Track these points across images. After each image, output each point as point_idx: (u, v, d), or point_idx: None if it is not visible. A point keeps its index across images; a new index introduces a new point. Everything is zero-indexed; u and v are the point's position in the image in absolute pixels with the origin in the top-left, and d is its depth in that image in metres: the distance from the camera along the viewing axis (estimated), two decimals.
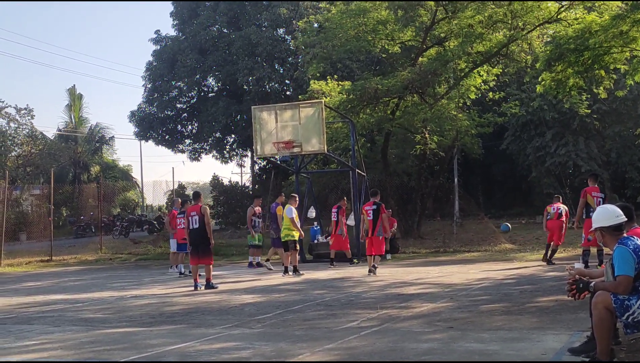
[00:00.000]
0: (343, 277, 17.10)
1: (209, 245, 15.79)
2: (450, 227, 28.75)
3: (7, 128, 48.51)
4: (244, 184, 55.02)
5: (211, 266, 15.81)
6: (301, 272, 17.69)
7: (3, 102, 49.44)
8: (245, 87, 42.06)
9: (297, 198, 18.82)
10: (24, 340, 9.49)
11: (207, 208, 16.20)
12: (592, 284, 6.51)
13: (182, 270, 19.35)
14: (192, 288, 15.38)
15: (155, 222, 42.97)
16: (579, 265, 7.08)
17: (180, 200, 23.39)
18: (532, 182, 38.85)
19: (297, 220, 17.88)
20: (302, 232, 18.38)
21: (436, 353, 7.39)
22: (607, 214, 6.66)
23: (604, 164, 36.44)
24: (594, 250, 16.28)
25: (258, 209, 21.29)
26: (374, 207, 17.24)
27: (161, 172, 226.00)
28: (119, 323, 10.75)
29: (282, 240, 18.01)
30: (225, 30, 43.17)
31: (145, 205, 64.42)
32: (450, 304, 11.21)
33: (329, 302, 12.18)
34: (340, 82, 27.20)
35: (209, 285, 15.41)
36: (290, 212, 17.72)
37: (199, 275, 15.85)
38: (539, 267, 17.31)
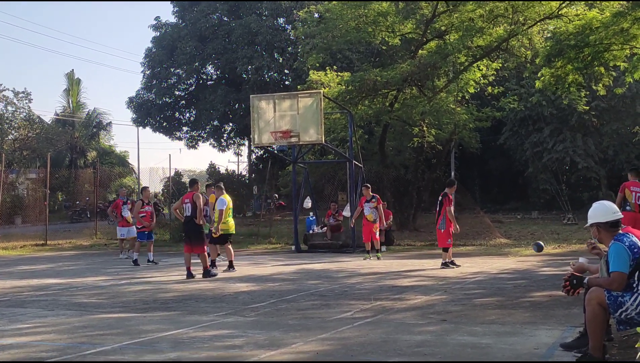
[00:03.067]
0: (337, 268, 17.11)
1: (201, 233, 15.59)
2: None
3: (5, 111, 48.41)
4: (241, 173, 55.14)
5: (205, 254, 15.60)
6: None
7: (1, 85, 49.49)
8: (244, 75, 42.03)
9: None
10: (17, 324, 9.49)
11: (200, 195, 15.86)
12: (586, 280, 6.52)
13: (150, 257, 19.22)
14: (185, 276, 15.28)
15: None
16: (583, 259, 7.07)
17: (125, 189, 23.64)
18: (529, 177, 38.96)
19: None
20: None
21: (429, 346, 7.40)
22: (603, 210, 6.66)
23: (601, 161, 36.54)
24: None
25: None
26: (440, 198, 16.71)
27: (158, 158, 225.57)
28: (113, 308, 10.76)
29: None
30: (225, 19, 43.13)
31: (141, 191, 64.38)
32: (444, 297, 11.23)
33: (323, 292, 12.20)
34: (339, 73, 27.15)
35: (207, 273, 15.19)
36: (223, 203, 16.52)
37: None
38: (533, 262, 17.32)
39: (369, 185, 20.03)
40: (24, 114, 49.85)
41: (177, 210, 16.47)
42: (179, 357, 7.17)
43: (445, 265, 16.26)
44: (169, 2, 46.10)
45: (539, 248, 18.13)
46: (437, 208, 16.78)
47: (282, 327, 8.80)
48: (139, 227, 19.60)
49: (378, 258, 18.95)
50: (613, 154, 36.41)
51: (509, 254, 19.78)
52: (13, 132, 49.44)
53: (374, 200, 19.25)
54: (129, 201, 21.88)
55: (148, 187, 21.76)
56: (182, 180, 49.22)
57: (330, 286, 13.16)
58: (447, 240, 16.51)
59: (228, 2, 42.40)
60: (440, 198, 16.74)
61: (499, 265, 16.58)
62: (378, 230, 19.54)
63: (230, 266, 16.39)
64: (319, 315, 9.71)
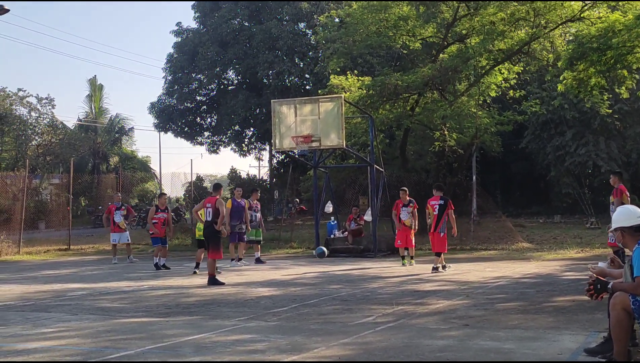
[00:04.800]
0: (359, 272, 17.09)
1: (219, 239, 15.33)
2: (467, 225, 28.61)
3: (28, 117, 48.96)
4: (262, 178, 55.28)
5: (215, 261, 15.22)
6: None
7: (25, 91, 49.90)
8: (265, 80, 42.15)
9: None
10: (42, 328, 9.57)
11: (223, 201, 15.78)
12: (610, 285, 6.47)
13: (162, 262, 19.19)
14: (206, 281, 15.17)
15: (172, 214, 43.13)
16: (602, 264, 7.01)
17: (120, 195, 23.84)
18: (551, 181, 38.69)
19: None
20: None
21: (451, 351, 7.37)
22: (628, 214, 6.61)
23: (624, 164, 36.20)
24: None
25: (255, 203, 20.87)
26: (441, 202, 16.57)
27: (180, 163, 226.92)
28: (136, 313, 10.81)
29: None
30: (246, 24, 43.26)
31: (158, 197, 64.66)
32: (466, 302, 11.18)
33: (344, 297, 12.18)
34: (360, 78, 27.16)
35: (212, 281, 14.80)
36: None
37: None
38: (555, 266, 17.21)
39: (406, 188, 19.36)
40: (48, 119, 50.42)
41: (198, 213, 16.24)
42: (202, 361, 7.19)
43: (436, 269, 16.26)
44: (190, 4, 46.34)
45: (320, 254, 18.35)
46: (437, 212, 16.53)
47: (304, 331, 8.80)
48: (151, 232, 19.77)
49: (411, 264, 18.50)
50: (636, 157, 36.06)
51: (531, 259, 19.67)
52: (37, 137, 49.98)
53: (411, 204, 18.70)
54: (122, 207, 22.21)
55: (165, 194, 21.72)
56: (204, 185, 49.47)
57: (352, 291, 13.15)
58: (446, 245, 16.88)
59: (249, 7, 42.55)
60: (441, 201, 16.61)
61: (521, 270, 16.49)
62: (413, 235, 18.98)
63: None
64: (341, 319, 9.71)
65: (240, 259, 19.73)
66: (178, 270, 19.02)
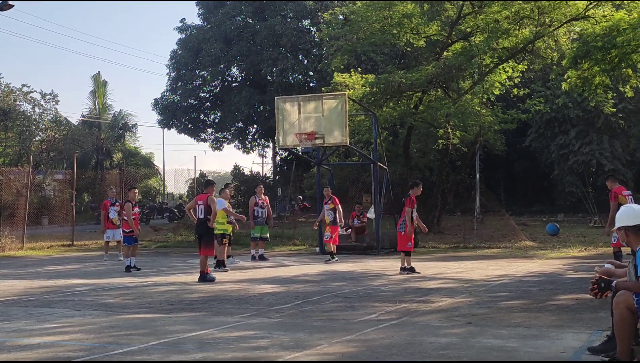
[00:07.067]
0: (362, 270, 17.09)
1: (212, 236, 15.33)
2: (470, 223, 28.58)
3: (32, 113, 48.87)
4: (265, 175, 55.29)
5: (207, 258, 15.05)
6: (226, 268, 17.07)
7: (28, 87, 49.85)
8: (268, 77, 42.15)
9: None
10: (45, 323, 9.59)
11: (214, 198, 15.60)
12: (614, 283, 6.46)
13: (133, 263, 17.69)
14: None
15: (175, 210, 43.22)
16: (608, 264, 7.01)
17: (115, 191, 23.39)
18: (555, 179, 38.68)
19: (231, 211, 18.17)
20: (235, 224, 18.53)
21: (454, 348, 7.37)
22: (632, 213, 6.60)
23: (628, 163, 36.21)
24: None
25: (262, 198, 20.63)
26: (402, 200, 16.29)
27: (183, 160, 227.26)
28: (139, 309, 10.83)
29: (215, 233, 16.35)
30: (250, 21, 43.26)
31: (166, 193, 64.87)
32: (469, 300, 11.18)
33: (347, 294, 12.19)
34: (364, 75, 27.12)
35: (203, 277, 14.73)
36: (221, 204, 17.35)
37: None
38: (559, 265, 17.19)
39: (328, 186, 20.63)
40: (51, 115, 50.33)
41: (191, 211, 15.98)
42: (205, 357, 7.20)
43: (403, 269, 15.69)
44: (194, 3, 46.37)
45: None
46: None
47: (307, 328, 8.81)
48: (128, 230, 17.84)
49: (327, 261, 18.99)
50: None
51: (534, 257, 19.64)
52: (40, 133, 49.90)
53: (330, 201, 19.54)
54: (117, 203, 21.46)
55: (135, 188, 20.10)
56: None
57: (355, 288, 13.16)
58: (407, 244, 15.79)
59: (253, 4, 42.54)
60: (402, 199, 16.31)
61: (525, 268, 16.47)
62: (336, 233, 19.58)
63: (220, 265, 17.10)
64: (344, 317, 9.71)
65: (228, 256, 19.29)
66: (181, 266, 19.03)
